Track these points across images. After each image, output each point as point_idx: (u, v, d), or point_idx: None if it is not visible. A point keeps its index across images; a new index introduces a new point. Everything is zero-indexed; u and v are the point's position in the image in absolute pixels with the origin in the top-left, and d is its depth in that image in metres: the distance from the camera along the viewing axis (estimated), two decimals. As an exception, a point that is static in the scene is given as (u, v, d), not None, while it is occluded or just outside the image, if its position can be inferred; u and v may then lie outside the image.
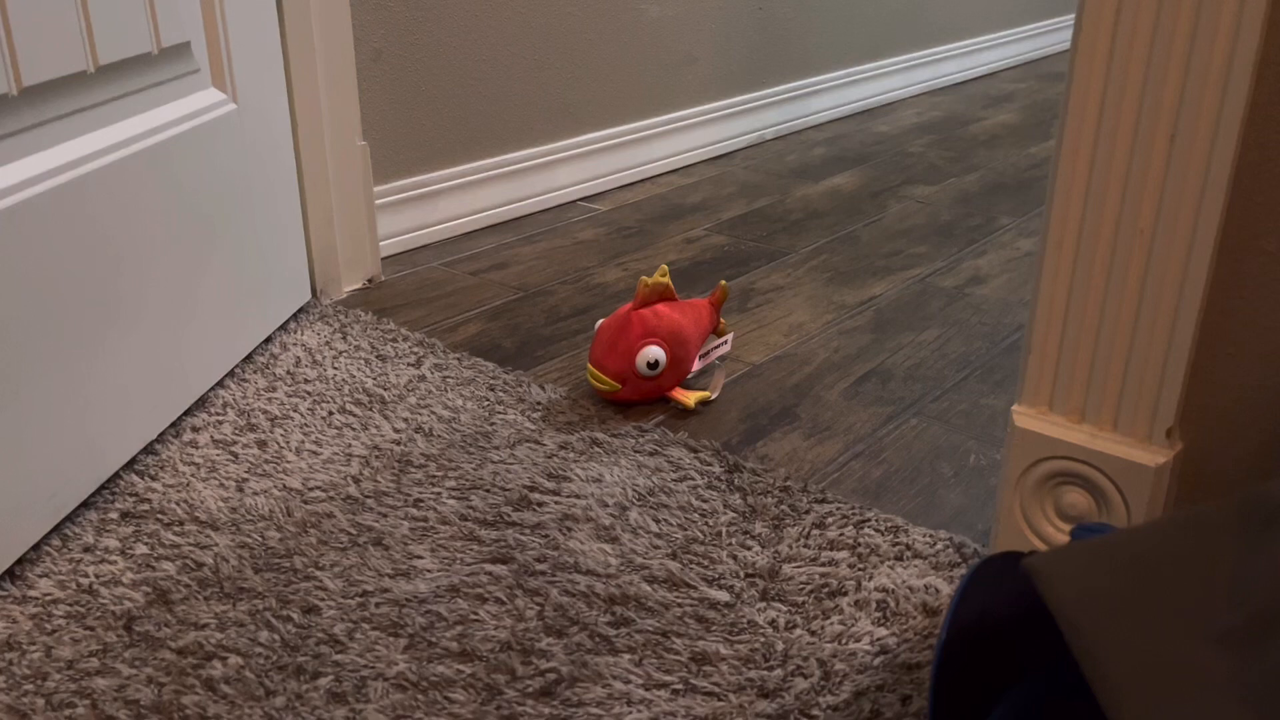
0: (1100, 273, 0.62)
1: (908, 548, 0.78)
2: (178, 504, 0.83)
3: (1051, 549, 0.40)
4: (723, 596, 0.73)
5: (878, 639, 0.69)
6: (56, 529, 0.80)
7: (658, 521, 0.81)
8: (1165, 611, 0.35)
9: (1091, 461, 0.64)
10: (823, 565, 0.76)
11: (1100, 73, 0.59)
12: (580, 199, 1.66)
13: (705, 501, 0.84)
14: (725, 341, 1.08)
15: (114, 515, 0.82)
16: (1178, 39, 0.56)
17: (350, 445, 0.92)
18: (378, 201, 1.37)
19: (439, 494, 0.85)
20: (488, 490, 0.85)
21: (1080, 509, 0.66)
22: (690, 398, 0.99)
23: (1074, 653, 0.35)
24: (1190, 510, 0.39)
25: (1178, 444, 0.63)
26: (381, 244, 1.38)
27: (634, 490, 0.85)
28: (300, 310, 1.20)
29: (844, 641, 0.69)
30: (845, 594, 0.73)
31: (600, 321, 1.03)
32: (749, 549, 0.78)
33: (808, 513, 0.82)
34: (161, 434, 0.93)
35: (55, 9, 0.78)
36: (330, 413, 0.97)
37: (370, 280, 1.31)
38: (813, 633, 0.70)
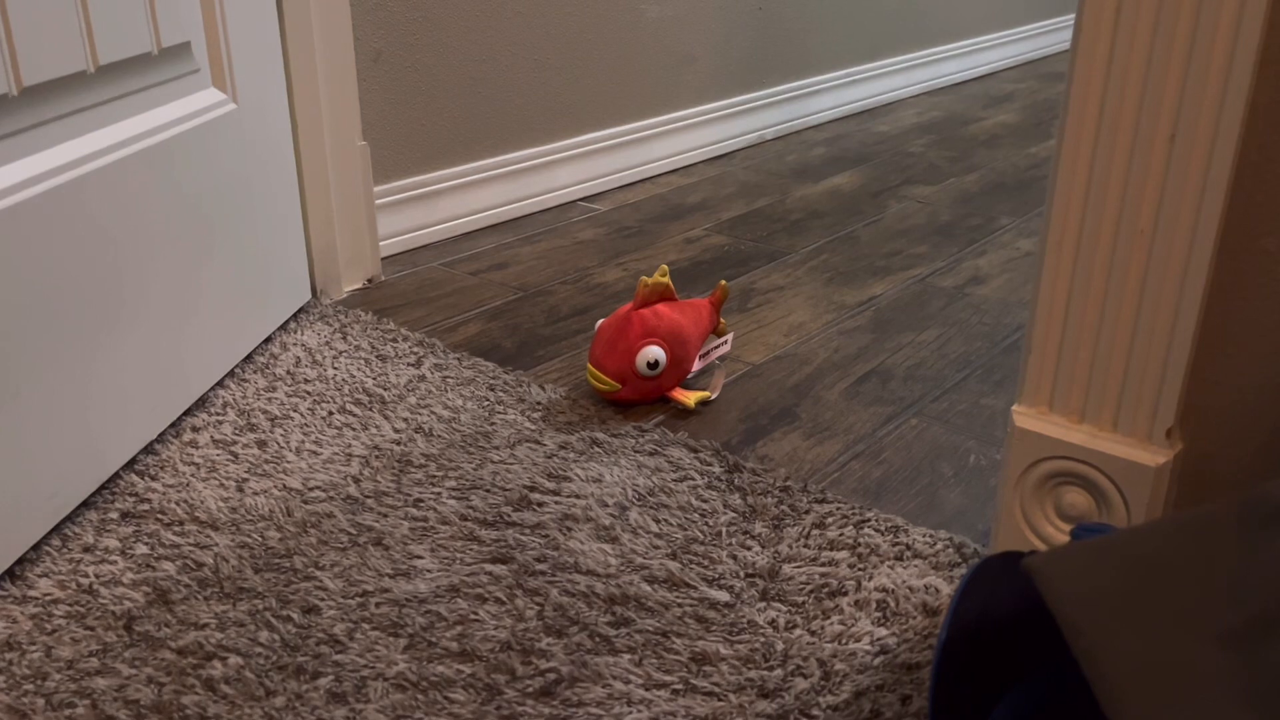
0: (1100, 273, 0.62)
1: (908, 548, 0.78)
2: (178, 504, 0.83)
3: (1052, 549, 0.40)
4: (723, 596, 0.73)
5: (878, 639, 0.69)
6: (56, 529, 0.80)
7: (658, 521, 0.81)
8: (1166, 611, 0.35)
9: (1091, 461, 0.64)
10: (823, 565, 0.76)
11: (1100, 73, 0.59)
12: (580, 199, 1.66)
13: (705, 501, 0.84)
14: (725, 341, 1.08)
15: (114, 515, 0.82)
16: (1178, 39, 0.56)
17: (350, 445, 0.92)
18: (378, 201, 1.37)
19: (439, 494, 0.85)
20: (488, 490, 0.85)
21: (1080, 509, 0.66)
22: (690, 398, 0.99)
23: (1074, 653, 0.35)
24: (1191, 511, 0.39)
25: (1178, 444, 0.63)
26: (381, 244, 1.38)
27: (634, 490, 0.85)
28: (300, 310, 1.20)
29: (844, 641, 0.69)
30: (845, 594, 0.73)
31: (600, 321, 1.03)
32: (749, 549, 0.78)
33: (808, 513, 0.82)
34: (161, 434, 0.93)
35: (55, 9, 0.78)
36: (330, 413, 0.97)
37: (370, 280, 1.31)
38: (813, 633, 0.70)
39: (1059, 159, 0.61)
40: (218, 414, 0.97)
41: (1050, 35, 2.90)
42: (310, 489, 0.85)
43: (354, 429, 0.95)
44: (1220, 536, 0.37)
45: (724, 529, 0.80)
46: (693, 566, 0.76)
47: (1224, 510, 0.39)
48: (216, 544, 0.78)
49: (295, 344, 1.11)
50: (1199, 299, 0.59)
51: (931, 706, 0.49)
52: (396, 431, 0.94)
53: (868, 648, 0.68)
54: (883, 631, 0.70)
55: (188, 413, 0.97)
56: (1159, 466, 0.62)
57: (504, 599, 0.73)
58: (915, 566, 0.76)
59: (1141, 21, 0.56)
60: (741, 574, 0.75)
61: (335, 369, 1.06)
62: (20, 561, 0.77)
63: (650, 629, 0.70)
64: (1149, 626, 0.35)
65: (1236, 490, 0.62)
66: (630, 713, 0.63)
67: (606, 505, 0.83)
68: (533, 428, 0.95)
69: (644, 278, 0.98)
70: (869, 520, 0.81)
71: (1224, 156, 0.56)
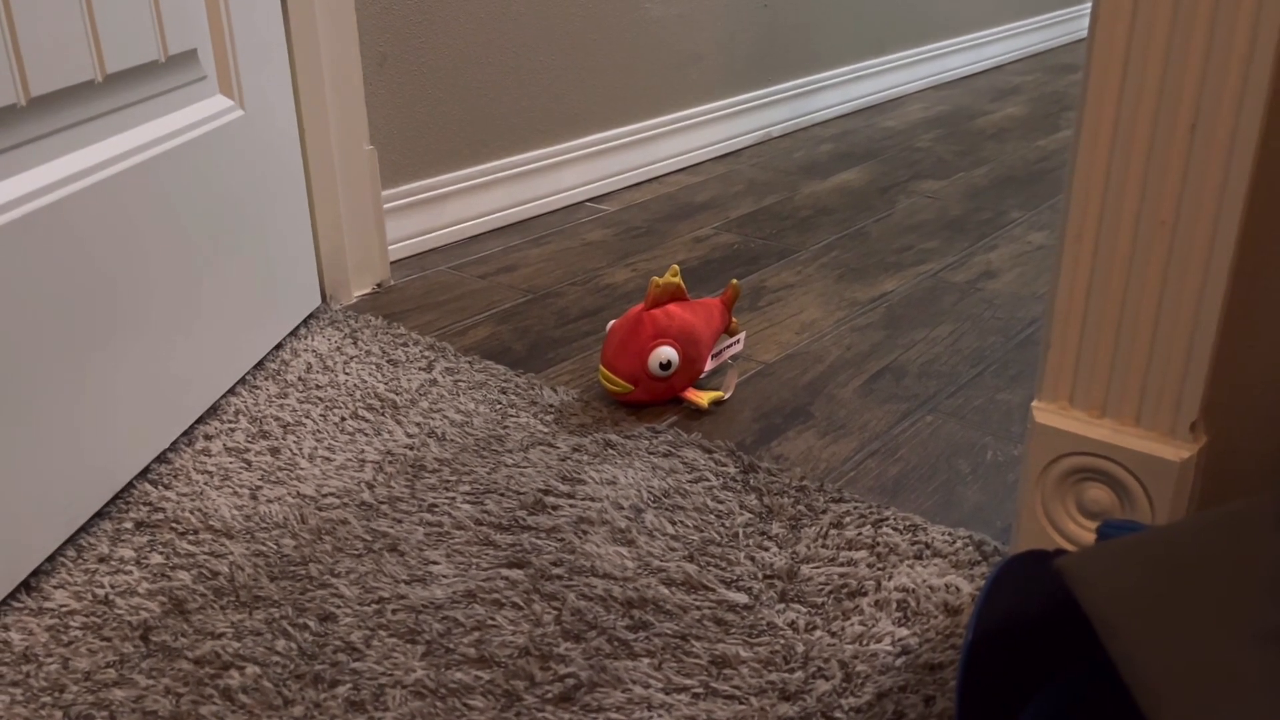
0: (1121, 265, 0.61)
1: (927, 546, 0.77)
2: (192, 513, 0.83)
3: (1083, 549, 0.39)
4: (741, 598, 0.72)
5: (899, 639, 0.68)
6: (71, 540, 0.80)
7: (674, 523, 0.81)
8: (1202, 611, 0.34)
9: (1114, 457, 0.63)
10: (841, 565, 0.76)
11: (1119, 62, 0.58)
12: (587, 200, 1.65)
13: (721, 502, 0.83)
14: (738, 340, 1.07)
15: (128, 525, 0.82)
16: (1198, 26, 0.55)
17: (363, 451, 0.92)
18: (386, 206, 1.36)
19: (453, 499, 0.84)
20: (502, 494, 0.85)
21: (1103, 505, 0.65)
22: (703, 398, 0.98)
23: (1111, 654, 0.34)
24: (1223, 508, 0.39)
25: (1202, 438, 0.62)
26: (390, 248, 1.38)
27: (649, 492, 0.84)
28: (310, 316, 1.20)
29: (865, 642, 0.68)
30: (865, 594, 0.72)
31: (611, 323, 1.03)
32: (766, 550, 0.77)
33: (825, 512, 0.82)
34: (174, 442, 0.93)
35: (62, 19, 0.78)
36: (343, 418, 0.97)
37: (379, 285, 1.30)
38: (833, 634, 0.69)
39: (1077, 150, 0.61)
40: (230, 421, 0.97)
41: (1056, 27, 2.89)
42: (324, 496, 0.85)
43: (366, 434, 0.94)
44: (1254, 534, 0.37)
45: (741, 530, 0.80)
46: (710, 568, 0.75)
47: (1256, 507, 0.38)
48: (231, 552, 0.78)
49: (306, 350, 1.11)
50: (1222, 290, 0.58)
51: (958, 709, 0.49)
52: (409, 436, 0.94)
53: (889, 648, 0.68)
54: (904, 632, 0.69)
55: (200, 421, 0.97)
56: (1183, 461, 0.61)
57: (521, 604, 0.72)
58: (935, 565, 0.75)
59: (1160, 8, 0.56)
60: (760, 575, 0.75)
61: (346, 374, 1.05)
62: (35, 573, 0.76)
63: (669, 632, 0.69)
64: (1185, 627, 0.34)
65: (1262, 483, 0.62)
66: (651, 717, 0.63)
67: (622, 508, 0.82)
68: (546, 430, 0.95)
69: (655, 278, 0.98)
70: (887, 519, 0.80)
71: (1246, 145, 0.55)
